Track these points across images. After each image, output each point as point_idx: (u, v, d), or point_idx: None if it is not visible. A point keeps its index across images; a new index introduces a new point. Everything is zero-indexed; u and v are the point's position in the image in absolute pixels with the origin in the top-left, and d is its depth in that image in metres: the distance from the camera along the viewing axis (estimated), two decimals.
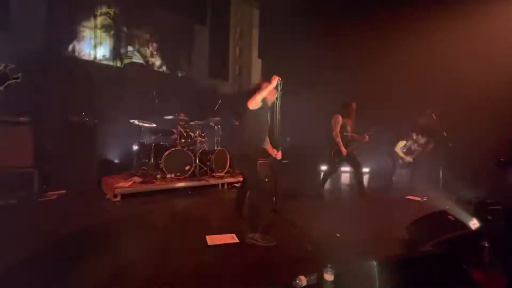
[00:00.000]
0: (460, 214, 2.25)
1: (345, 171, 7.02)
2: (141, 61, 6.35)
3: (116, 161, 5.33)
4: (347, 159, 4.23)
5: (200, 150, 4.85)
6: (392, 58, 5.95)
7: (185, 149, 4.56)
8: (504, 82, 4.59)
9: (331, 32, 6.80)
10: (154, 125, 4.86)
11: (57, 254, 2.17)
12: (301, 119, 6.63)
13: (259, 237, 2.40)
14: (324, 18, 6.92)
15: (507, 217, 2.20)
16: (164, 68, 6.79)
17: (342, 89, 5.93)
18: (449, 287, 1.54)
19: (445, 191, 4.28)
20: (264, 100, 2.58)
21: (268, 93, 2.53)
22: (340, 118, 4.13)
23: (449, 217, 2.30)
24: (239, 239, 2.48)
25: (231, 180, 4.89)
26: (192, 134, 4.86)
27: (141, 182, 4.12)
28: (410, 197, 4.39)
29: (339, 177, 6.50)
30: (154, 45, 6.57)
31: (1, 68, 2.09)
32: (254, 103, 2.49)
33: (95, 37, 5.64)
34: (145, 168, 4.54)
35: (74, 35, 5.37)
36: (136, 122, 4.68)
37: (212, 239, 2.46)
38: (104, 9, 5.75)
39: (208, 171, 4.91)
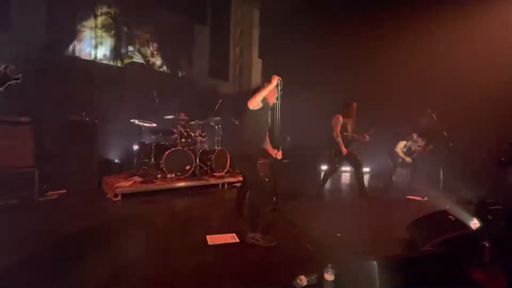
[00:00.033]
0: (461, 214, 2.25)
1: (346, 171, 7.04)
2: (141, 61, 6.35)
3: (116, 160, 5.32)
4: (347, 159, 4.23)
5: (201, 150, 4.85)
6: (392, 58, 5.95)
7: (185, 149, 4.56)
8: (504, 82, 4.60)
9: (331, 32, 6.81)
10: (154, 124, 4.87)
11: (57, 254, 2.17)
12: (301, 119, 6.63)
13: (259, 237, 2.40)
14: (324, 18, 6.93)
15: (507, 217, 2.19)
16: (164, 68, 6.79)
17: (342, 89, 5.94)
18: (450, 287, 1.53)
19: (445, 191, 4.28)
20: (264, 100, 2.57)
21: (269, 93, 2.52)
22: (341, 118, 4.12)
23: (450, 217, 2.30)
24: (239, 239, 2.48)
25: (232, 180, 4.89)
26: (193, 134, 4.86)
27: (141, 182, 4.12)
28: (410, 197, 4.39)
29: (339, 177, 6.49)
30: (155, 45, 6.57)
31: (1, 69, 2.09)
32: (254, 103, 2.49)
33: (96, 37, 5.64)
34: (145, 167, 4.55)
35: (74, 35, 5.37)
36: (136, 121, 4.68)
37: (213, 239, 2.47)
38: (105, 9, 5.75)
39: (209, 171, 4.91)
